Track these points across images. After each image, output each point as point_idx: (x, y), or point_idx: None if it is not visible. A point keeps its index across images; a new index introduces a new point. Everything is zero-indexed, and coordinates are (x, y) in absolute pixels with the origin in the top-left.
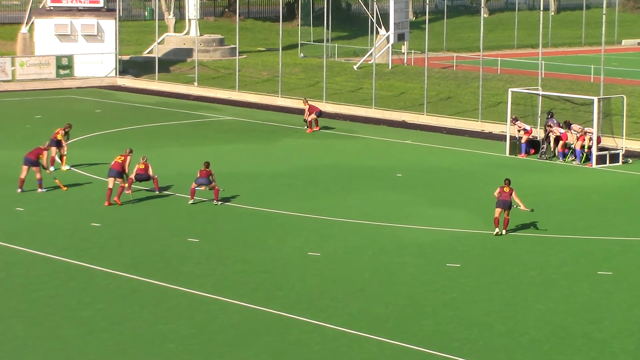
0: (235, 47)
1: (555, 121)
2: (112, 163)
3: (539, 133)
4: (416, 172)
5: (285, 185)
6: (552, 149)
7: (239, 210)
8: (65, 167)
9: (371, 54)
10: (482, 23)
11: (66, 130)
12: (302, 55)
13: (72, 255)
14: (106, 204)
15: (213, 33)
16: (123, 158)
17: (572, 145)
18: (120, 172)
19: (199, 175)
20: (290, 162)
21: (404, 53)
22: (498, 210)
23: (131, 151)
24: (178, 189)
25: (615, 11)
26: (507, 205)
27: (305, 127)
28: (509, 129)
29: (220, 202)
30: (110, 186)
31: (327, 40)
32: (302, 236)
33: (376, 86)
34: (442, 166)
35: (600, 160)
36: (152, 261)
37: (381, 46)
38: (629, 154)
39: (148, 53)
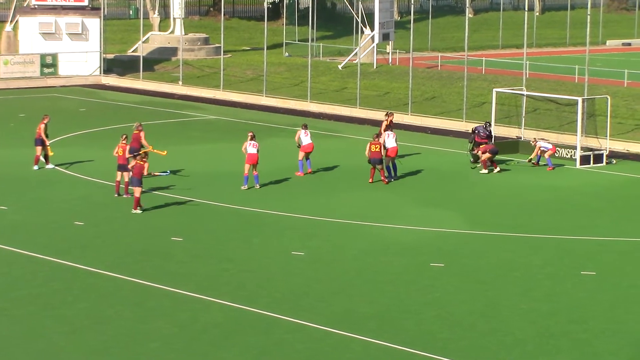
0: (220, 46)
1: (488, 131)
2: (371, 153)
3: (523, 134)
4: (400, 172)
5: (270, 184)
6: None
7: (222, 209)
8: (49, 166)
9: (356, 54)
10: (467, 23)
11: (45, 123)
12: (287, 54)
13: (55, 253)
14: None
15: (198, 32)
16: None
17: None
18: (380, 160)
19: (132, 172)
20: (274, 161)
21: (388, 53)
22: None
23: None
24: (162, 188)
25: (600, 12)
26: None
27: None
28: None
29: (139, 211)
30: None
31: (312, 40)
32: (286, 235)
33: (361, 86)
34: (427, 166)
35: (584, 160)
36: (135, 260)
37: (366, 46)
38: (612, 155)
39: (133, 52)
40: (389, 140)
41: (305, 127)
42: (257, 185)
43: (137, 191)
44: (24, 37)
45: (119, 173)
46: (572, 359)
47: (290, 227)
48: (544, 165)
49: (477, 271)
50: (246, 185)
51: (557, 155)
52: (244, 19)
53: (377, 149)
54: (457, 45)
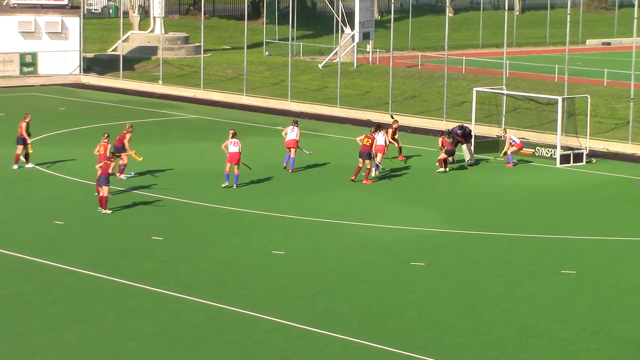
0: (200, 45)
1: (461, 131)
2: (362, 145)
3: (501, 133)
4: (381, 171)
5: (250, 183)
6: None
7: (203, 208)
8: (29, 165)
9: (336, 53)
10: (447, 22)
11: (27, 121)
12: (267, 53)
13: (35, 253)
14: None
15: (178, 31)
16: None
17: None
18: (369, 154)
19: (100, 172)
20: (255, 160)
21: (369, 52)
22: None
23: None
24: (142, 187)
25: (580, 11)
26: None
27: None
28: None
29: (109, 211)
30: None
31: (292, 39)
32: (266, 235)
33: (341, 85)
34: (407, 165)
35: (565, 159)
36: (115, 259)
37: (346, 45)
38: (592, 154)
39: (112, 51)
40: (378, 137)
41: (294, 123)
42: (235, 185)
43: (105, 190)
44: (3, 35)
45: None
46: (552, 357)
47: (271, 226)
48: (517, 161)
49: (457, 270)
50: (227, 183)
51: (537, 155)
52: (224, 18)
53: (368, 143)
54: (437, 45)
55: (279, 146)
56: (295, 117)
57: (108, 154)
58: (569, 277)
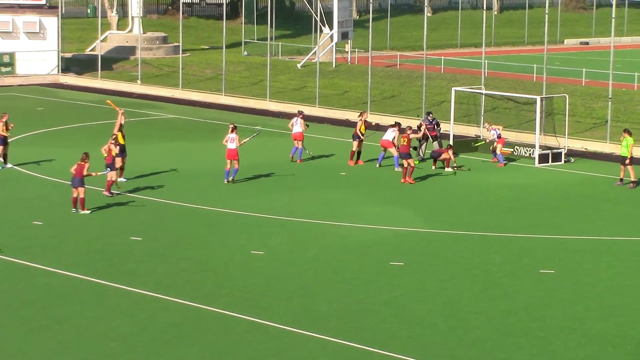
0: (179, 45)
1: (430, 120)
2: (400, 147)
3: (481, 132)
4: (359, 171)
5: (229, 183)
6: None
7: (181, 208)
8: (7, 165)
9: (315, 53)
10: (425, 22)
11: (4, 120)
12: (245, 53)
13: (13, 253)
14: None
15: (156, 31)
16: (406, 140)
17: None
18: (408, 154)
19: (73, 173)
20: None
21: (347, 52)
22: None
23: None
24: (121, 187)
25: (558, 11)
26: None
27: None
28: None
29: (88, 211)
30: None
31: (271, 39)
32: (245, 234)
33: (320, 85)
34: (386, 164)
35: (543, 159)
36: (93, 259)
37: (325, 45)
38: (571, 153)
39: (91, 51)
40: (387, 133)
41: (299, 114)
42: (232, 177)
43: (81, 191)
44: None
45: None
46: (530, 356)
47: (250, 226)
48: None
49: (436, 270)
50: (226, 180)
51: (516, 154)
52: (202, 18)
53: (404, 143)
54: (415, 44)
55: (258, 146)
56: (274, 116)
57: (112, 154)
58: (547, 276)
